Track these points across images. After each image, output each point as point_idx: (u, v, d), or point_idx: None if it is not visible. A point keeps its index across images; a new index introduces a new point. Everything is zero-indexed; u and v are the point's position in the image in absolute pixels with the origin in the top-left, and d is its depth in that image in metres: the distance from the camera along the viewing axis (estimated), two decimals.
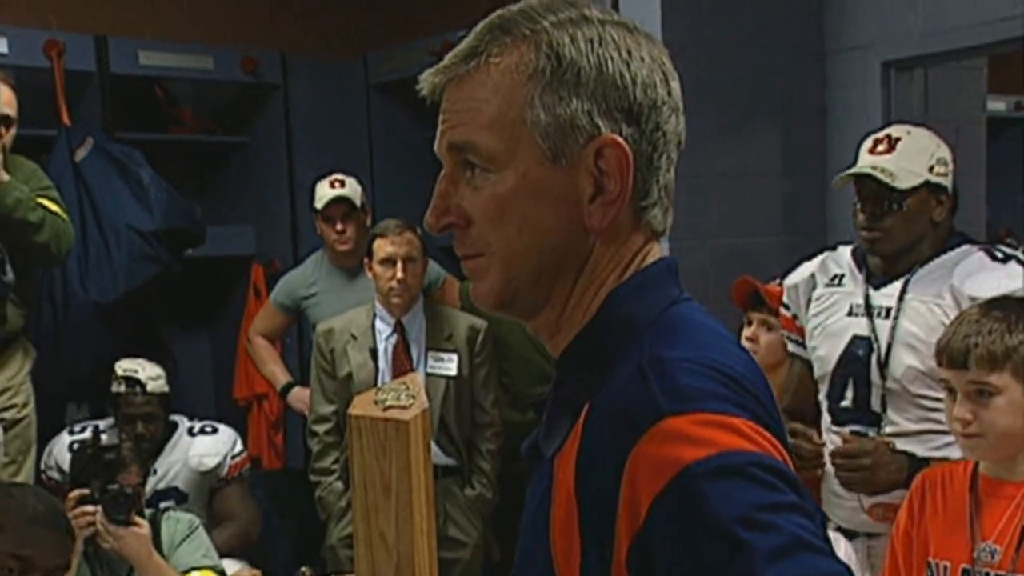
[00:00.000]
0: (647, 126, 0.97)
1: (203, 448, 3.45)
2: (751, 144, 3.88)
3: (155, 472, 3.32)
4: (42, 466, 3.44)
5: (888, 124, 2.62)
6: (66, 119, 4.08)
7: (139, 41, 4.41)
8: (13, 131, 3.25)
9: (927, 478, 2.02)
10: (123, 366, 3.41)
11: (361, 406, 2.16)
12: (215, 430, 3.51)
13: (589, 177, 0.96)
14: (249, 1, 4.89)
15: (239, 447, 3.55)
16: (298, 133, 4.74)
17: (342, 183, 3.86)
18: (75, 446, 3.36)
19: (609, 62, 0.96)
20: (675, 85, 1.01)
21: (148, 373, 3.41)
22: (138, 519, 2.70)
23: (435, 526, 2.09)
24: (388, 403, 2.13)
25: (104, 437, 2.89)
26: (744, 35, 3.78)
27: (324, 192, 3.84)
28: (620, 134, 0.96)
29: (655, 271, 1.01)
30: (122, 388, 3.38)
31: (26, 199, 3.18)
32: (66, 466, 3.32)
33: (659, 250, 1.03)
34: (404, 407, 2.11)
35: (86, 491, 2.70)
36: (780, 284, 3.04)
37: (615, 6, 3.68)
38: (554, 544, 0.94)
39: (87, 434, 3.38)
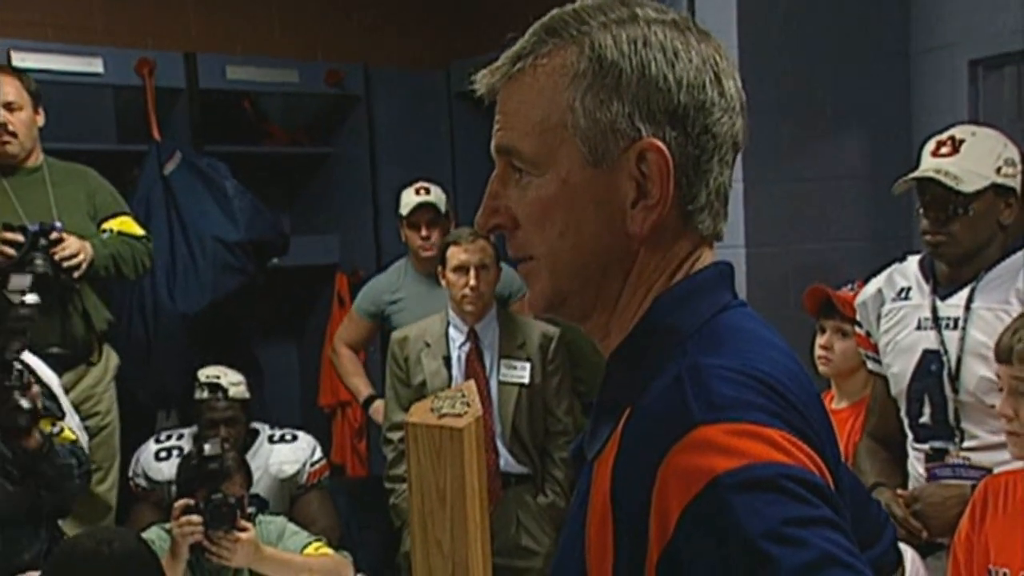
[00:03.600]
0: (693, 129, 0.95)
1: (283, 455, 3.50)
2: (835, 147, 3.79)
3: None
4: (130, 473, 3.54)
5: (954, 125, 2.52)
6: (156, 134, 4.21)
7: (226, 56, 4.53)
8: (22, 115, 3.36)
9: (990, 485, 1.96)
10: (206, 373, 3.50)
11: (418, 414, 2.17)
12: (295, 438, 3.57)
13: (631, 181, 0.95)
14: (334, 14, 4.98)
15: (318, 454, 3.59)
16: (381, 143, 4.81)
17: (427, 190, 3.90)
18: (162, 454, 3.46)
19: (652, 64, 0.94)
20: (730, 84, 0.98)
21: (230, 379, 3.49)
22: (243, 523, 2.77)
23: (489, 535, 2.07)
24: (443, 411, 2.13)
25: (208, 447, 2.96)
26: (826, 35, 3.70)
27: (410, 199, 3.88)
28: (663, 138, 0.94)
29: (704, 277, 0.99)
30: (205, 394, 3.46)
31: (111, 252, 3.41)
32: (152, 473, 3.44)
33: (711, 255, 1.01)
34: (459, 415, 2.11)
35: (191, 501, 2.78)
36: (853, 290, 2.97)
37: (691, 10, 3.64)
38: (589, 546, 0.94)
39: (173, 442, 3.49)
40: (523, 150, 0.97)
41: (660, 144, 0.94)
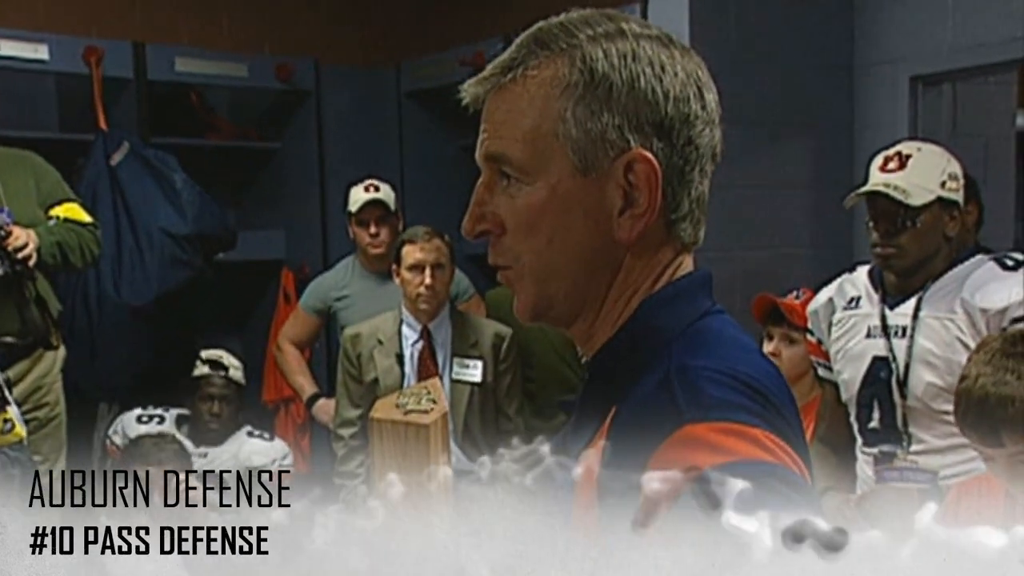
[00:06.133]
0: (678, 140, 0.98)
1: (255, 448, 3.61)
2: (778, 157, 3.89)
3: (205, 455, 3.51)
4: (109, 432, 3.65)
5: (900, 141, 2.62)
6: (103, 124, 4.15)
7: (176, 48, 4.49)
8: None
9: (963, 488, 2.02)
10: (208, 353, 3.68)
11: (383, 410, 2.20)
12: (272, 439, 3.71)
13: (619, 190, 0.98)
14: (284, 9, 4.95)
15: (290, 460, 3.69)
16: (330, 140, 4.80)
17: (376, 187, 3.91)
18: (143, 418, 3.61)
19: (641, 77, 0.97)
20: (711, 98, 1.01)
21: (231, 360, 3.68)
22: None
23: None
24: (409, 407, 2.16)
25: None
26: (773, 48, 3.80)
27: (359, 196, 3.89)
28: (650, 148, 0.97)
29: (687, 283, 1.03)
30: (206, 370, 3.62)
31: (57, 240, 3.35)
32: (130, 432, 3.53)
33: (691, 262, 1.04)
34: (425, 411, 2.14)
35: None
36: (798, 298, 3.05)
37: (643, 19, 3.71)
38: None
39: (155, 411, 3.65)
40: (513, 157, 0.99)
41: (648, 155, 0.97)
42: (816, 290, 3.11)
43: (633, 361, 0.99)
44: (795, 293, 3.15)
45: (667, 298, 1.01)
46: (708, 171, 1.02)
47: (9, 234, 3.15)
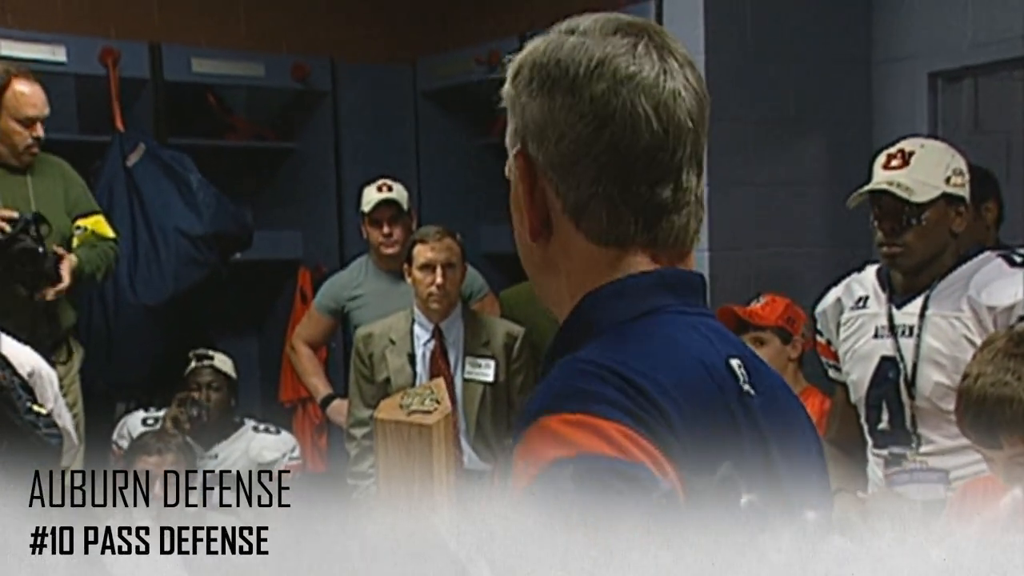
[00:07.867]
0: (550, 138, 1.00)
1: (264, 443, 3.66)
2: (796, 154, 3.85)
3: (216, 456, 3.56)
4: (114, 436, 3.67)
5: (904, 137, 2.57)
6: (120, 125, 4.17)
7: (192, 48, 4.50)
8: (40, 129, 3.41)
9: (969, 488, 1.99)
10: (196, 351, 3.76)
11: (387, 410, 2.21)
12: (279, 431, 3.75)
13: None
14: (300, 9, 4.96)
15: (298, 452, 3.74)
16: (347, 139, 4.80)
17: (390, 187, 3.92)
18: (149, 421, 3.67)
19: (521, 81, 1.03)
20: (597, 89, 0.97)
21: (218, 355, 3.75)
22: None
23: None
24: (413, 407, 2.16)
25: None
26: (790, 44, 3.76)
27: (372, 196, 3.90)
28: (526, 149, 1.02)
29: (632, 282, 1.01)
30: (193, 364, 3.70)
31: (92, 264, 3.42)
32: (135, 435, 3.54)
33: (645, 260, 1.00)
34: (428, 411, 2.14)
35: None
36: (760, 303, 3.23)
37: (659, 17, 3.69)
38: None
39: (160, 412, 3.69)
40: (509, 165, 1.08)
41: (519, 155, 1.03)
42: (787, 294, 3.26)
43: (560, 357, 1.00)
44: (757, 299, 3.33)
45: (606, 296, 1.01)
46: (634, 166, 0.98)
47: (61, 259, 3.20)
